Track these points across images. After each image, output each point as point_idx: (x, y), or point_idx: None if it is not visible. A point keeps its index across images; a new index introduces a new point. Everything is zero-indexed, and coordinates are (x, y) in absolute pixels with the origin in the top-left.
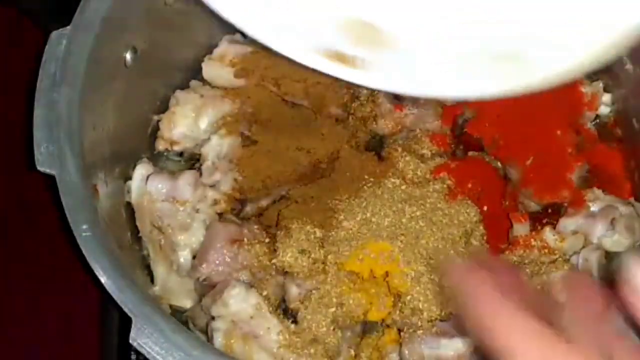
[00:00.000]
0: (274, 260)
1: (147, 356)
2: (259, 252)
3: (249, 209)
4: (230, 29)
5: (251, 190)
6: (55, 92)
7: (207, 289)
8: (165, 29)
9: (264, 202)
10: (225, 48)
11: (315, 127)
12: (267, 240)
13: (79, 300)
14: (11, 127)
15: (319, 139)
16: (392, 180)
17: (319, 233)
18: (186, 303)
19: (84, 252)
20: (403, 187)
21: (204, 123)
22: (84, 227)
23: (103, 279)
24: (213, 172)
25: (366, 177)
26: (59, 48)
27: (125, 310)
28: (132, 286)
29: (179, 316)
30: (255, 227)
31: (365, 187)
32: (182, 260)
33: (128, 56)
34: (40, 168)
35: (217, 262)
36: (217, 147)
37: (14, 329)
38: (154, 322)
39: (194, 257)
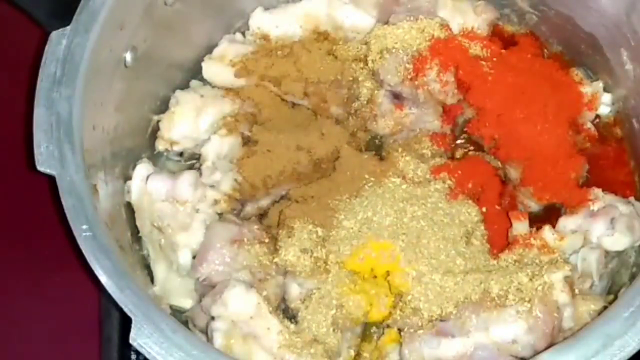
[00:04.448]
0: (275, 259)
1: (147, 356)
2: (259, 252)
3: (249, 209)
4: (230, 28)
5: (251, 190)
6: (55, 92)
7: (207, 289)
8: (165, 29)
9: (264, 202)
10: (225, 48)
11: (315, 127)
12: (267, 240)
13: (79, 300)
14: (11, 127)
15: (319, 139)
16: (393, 179)
17: (320, 232)
18: (186, 303)
19: (84, 252)
20: (404, 186)
21: (204, 123)
22: (84, 227)
23: (103, 279)
24: (213, 172)
25: (366, 176)
26: (59, 48)
27: (125, 310)
28: (132, 286)
29: (179, 316)
30: (255, 227)
31: (365, 186)
32: (182, 260)
33: (128, 56)
34: (40, 168)
35: (217, 262)
36: (217, 147)
37: (15, 328)
38: (154, 322)
39: (194, 257)
